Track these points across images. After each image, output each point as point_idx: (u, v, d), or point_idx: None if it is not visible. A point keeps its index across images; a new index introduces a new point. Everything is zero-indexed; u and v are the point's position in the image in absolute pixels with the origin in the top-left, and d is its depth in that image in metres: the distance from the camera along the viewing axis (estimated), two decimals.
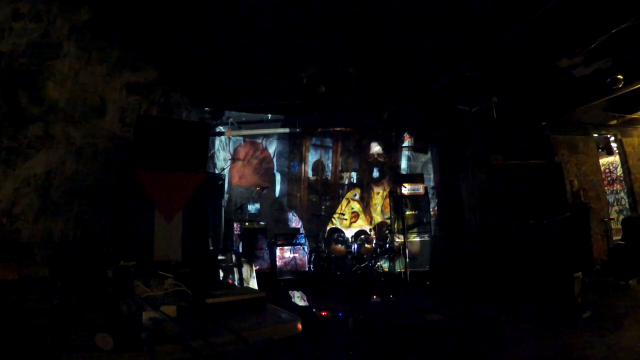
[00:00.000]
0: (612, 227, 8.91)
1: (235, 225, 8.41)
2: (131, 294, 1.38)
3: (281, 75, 6.83)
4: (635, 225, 7.84)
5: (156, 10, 4.80)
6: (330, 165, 10.29)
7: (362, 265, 8.23)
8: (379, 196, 10.32)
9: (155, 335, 1.35)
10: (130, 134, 4.97)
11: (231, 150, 9.91)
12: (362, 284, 7.77)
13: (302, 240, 8.39)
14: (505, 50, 5.69)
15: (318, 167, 10.23)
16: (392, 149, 10.51)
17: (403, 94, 7.63)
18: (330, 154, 10.32)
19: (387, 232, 9.37)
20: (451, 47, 5.80)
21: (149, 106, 5.84)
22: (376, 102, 8.33)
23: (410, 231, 8.49)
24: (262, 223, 8.74)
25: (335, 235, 8.71)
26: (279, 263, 8.01)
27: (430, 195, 9.27)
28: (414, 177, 9.28)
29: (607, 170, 9.95)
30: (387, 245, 8.78)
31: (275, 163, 10.18)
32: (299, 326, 1.69)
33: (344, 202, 10.11)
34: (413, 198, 8.77)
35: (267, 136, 10.13)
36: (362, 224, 9.97)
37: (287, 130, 9.95)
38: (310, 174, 10.14)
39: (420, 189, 8.89)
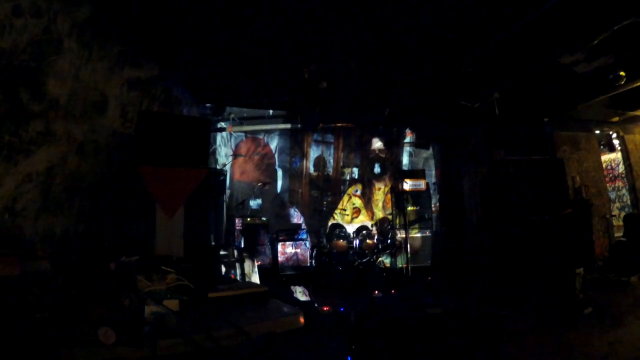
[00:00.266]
0: (614, 223, 8.89)
1: (237, 220, 8.41)
2: (134, 288, 1.38)
3: (282, 71, 6.81)
4: (637, 222, 7.83)
5: (157, 6, 4.80)
6: (331, 161, 10.30)
7: (364, 260, 8.24)
8: (381, 192, 10.33)
9: (158, 329, 1.35)
10: (131, 130, 4.97)
11: (233, 146, 9.90)
12: (364, 279, 7.78)
13: (304, 236, 8.40)
14: (508, 47, 5.67)
15: (319, 162, 10.23)
16: (393, 145, 10.51)
17: (404, 89, 7.60)
18: (332, 150, 10.32)
19: (388, 227, 9.37)
20: (453, 43, 5.78)
21: (150, 102, 5.83)
22: (378, 97, 8.30)
23: (411, 227, 8.49)
24: (263, 219, 8.75)
25: (337, 231, 8.71)
26: (280, 258, 8.03)
27: (431, 191, 9.26)
28: (415, 173, 9.26)
29: (609, 167, 9.92)
30: (389, 241, 8.78)
31: (276, 159, 10.19)
32: (301, 320, 1.69)
33: (346, 197, 10.11)
34: (414, 194, 8.76)
35: (268, 132, 10.12)
36: (363, 220, 9.98)
37: (288, 126, 9.94)
38: (311, 169, 10.15)
39: (421, 184, 8.88)
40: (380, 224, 9.84)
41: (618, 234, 8.53)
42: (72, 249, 4.25)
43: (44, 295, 1.36)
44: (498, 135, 8.16)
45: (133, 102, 5.38)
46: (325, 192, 10.09)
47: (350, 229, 9.13)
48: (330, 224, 9.35)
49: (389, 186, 10.01)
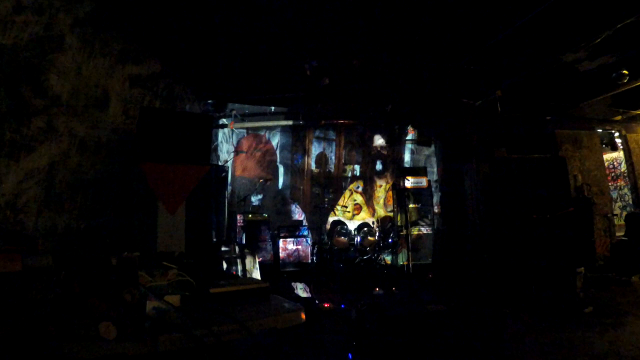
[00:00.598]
0: (615, 223, 8.87)
1: (238, 217, 8.42)
2: (135, 283, 1.38)
3: (284, 68, 6.80)
4: (639, 222, 7.81)
5: (159, 3, 4.79)
6: (333, 157, 10.29)
7: (365, 257, 8.25)
8: (382, 189, 10.32)
9: (159, 324, 1.36)
10: (133, 126, 4.98)
11: (234, 143, 9.90)
12: (365, 276, 7.78)
13: (305, 232, 8.40)
14: (510, 44, 5.65)
15: (321, 159, 10.22)
16: (395, 142, 10.49)
17: (407, 87, 7.59)
18: (334, 147, 10.31)
19: (390, 224, 9.37)
20: (456, 40, 5.76)
21: (152, 98, 5.83)
22: (380, 94, 8.29)
23: (413, 224, 8.49)
24: (265, 215, 8.76)
25: (338, 228, 8.72)
26: (282, 255, 8.04)
27: (433, 189, 9.25)
28: (417, 170, 9.25)
29: (611, 166, 9.91)
30: (390, 238, 8.79)
31: (278, 155, 10.18)
32: (303, 316, 1.69)
33: (347, 193, 10.11)
34: (416, 191, 8.75)
35: (270, 128, 10.11)
36: (364, 217, 9.98)
37: (290, 122, 9.92)
38: (313, 166, 10.15)
39: (423, 182, 8.87)
40: (382, 221, 9.84)
41: (619, 233, 8.51)
42: (74, 244, 4.26)
43: (45, 290, 1.37)
44: (500, 133, 8.14)
45: (135, 99, 5.38)
46: (326, 189, 10.09)
47: (352, 225, 9.13)
48: (331, 220, 9.35)
49: (391, 183, 10.01)
